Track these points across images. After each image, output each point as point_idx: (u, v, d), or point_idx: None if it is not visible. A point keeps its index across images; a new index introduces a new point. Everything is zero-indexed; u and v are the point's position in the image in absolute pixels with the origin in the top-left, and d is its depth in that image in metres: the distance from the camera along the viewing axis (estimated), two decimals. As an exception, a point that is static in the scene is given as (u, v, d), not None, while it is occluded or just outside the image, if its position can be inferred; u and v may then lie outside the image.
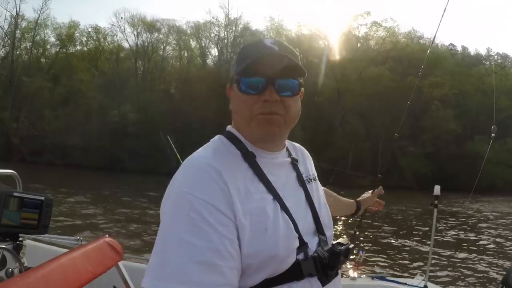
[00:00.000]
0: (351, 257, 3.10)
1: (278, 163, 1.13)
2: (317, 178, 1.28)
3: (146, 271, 0.90)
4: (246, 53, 1.07)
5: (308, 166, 1.28)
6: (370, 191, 2.01)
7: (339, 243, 1.12)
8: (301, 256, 1.02)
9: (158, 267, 0.88)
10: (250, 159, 1.06)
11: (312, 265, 1.03)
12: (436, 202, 3.55)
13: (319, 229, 1.12)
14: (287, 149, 1.21)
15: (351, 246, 1.13)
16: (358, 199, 1.93)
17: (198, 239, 0.88)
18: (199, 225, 0.89)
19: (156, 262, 0.89)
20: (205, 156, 1.03)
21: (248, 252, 0.93)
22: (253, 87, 1.03)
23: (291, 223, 1.02)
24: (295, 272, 0.99)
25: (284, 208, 1.03)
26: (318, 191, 1.23)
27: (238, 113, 1.09)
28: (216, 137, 1.14)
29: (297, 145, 1.32)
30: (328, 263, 1.05)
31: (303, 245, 1.03)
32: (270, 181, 1.04)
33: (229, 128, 1.16)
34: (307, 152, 1.34)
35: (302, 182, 1.16)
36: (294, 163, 1.18)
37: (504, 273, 2.87)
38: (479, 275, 7.98)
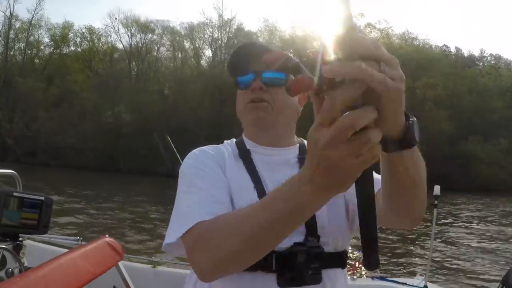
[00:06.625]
0: (353, 256, 3.11)
1: (279, 160, 1.14)
2: None
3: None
4: (233, 56, 1.20)
5: None
6: None
7: (312, 243, 1.03)
8: None
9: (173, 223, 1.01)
10: (244, 154, 1.15)
11: (270, 259, 0.97)
12: (436, 202, 3.55)
13: (310, 231, 1.04)
14: (300, 149, 1.18)
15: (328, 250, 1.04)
16: None
17: (194, 187, 1.02)
18: (199, 175, 1.05)
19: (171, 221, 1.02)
20: (204, 147, 1.19)
21: None
22: (245, 83, 1.15)
23: None
24: None
25: (262, 196, 1.00)
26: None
27: (237, 109, 1.20)
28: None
29: None
30: (288, 264, 0.98)
31: None
32: (258, 171, 1.10)
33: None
34: None
35: None
36: (302, 162, 1.10)
37: (504, 273, 2.87)
38: (479, 275, 7.99)
